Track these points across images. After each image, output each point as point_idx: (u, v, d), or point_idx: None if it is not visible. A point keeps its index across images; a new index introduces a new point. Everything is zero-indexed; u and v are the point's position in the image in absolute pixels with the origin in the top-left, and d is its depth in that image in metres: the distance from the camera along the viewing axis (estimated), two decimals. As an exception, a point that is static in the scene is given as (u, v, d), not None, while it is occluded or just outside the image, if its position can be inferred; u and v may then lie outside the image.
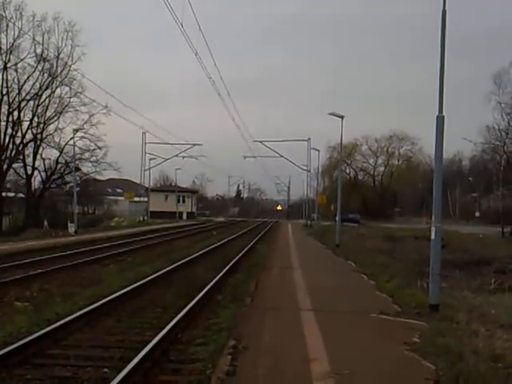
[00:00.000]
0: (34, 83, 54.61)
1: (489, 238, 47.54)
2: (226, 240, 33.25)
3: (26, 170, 56.38)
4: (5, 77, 53.22)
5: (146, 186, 73.57)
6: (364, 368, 7.32)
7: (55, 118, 56.73)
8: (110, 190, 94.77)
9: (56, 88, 55.98)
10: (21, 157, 55.71)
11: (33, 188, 57.76)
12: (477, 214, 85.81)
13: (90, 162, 58.73)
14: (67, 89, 55.40)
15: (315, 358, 7.61)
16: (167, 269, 17.13)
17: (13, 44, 52.42)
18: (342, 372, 6.95)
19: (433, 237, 11.69)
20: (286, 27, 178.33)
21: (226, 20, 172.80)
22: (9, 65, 53.03)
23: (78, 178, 53.35)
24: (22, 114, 54.85)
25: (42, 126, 56.17)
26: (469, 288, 17.42)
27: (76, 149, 49.93)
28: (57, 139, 56.98)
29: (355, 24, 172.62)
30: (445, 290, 14.33)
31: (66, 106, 56.49)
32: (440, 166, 12.04)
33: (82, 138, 55.66)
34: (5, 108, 53.62)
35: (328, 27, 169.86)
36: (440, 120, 11.74)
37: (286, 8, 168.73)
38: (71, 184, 50.72)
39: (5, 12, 51.35)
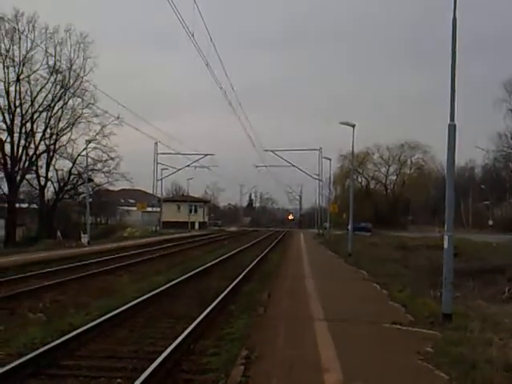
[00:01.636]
0: (47, 95, 55.12)
1: (502, 246, 47.13)
2: (238, 250, 33.27)
3: (39, 181, 56.78)
4: (18, 88, 53.76)
5: (159, 196, 73.91)
6: (377, 378, 7.30)
7: (68, 129, 57.20)
8: (122, 201, 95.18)
9: (68, 99, 56.50)
10: (34, 168, 56.10)
11: (46, 199, 58.08)
12: (490, 222, 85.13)
13: (103, 172, 59.15)
14: (79, 100, 55.85)
15: (328, 367, 7.59)
16: (180, 279, 17.17)
17: (25, 56, 53.01)
18: (355, 382, 6.93)
19: (445, 245, 11.62)
20: (295, 35, 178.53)
21: (231, 27, 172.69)
22: (22, 77, 53.53)
23: (90, 189, 53.64)
24: (34, 126, 55.32)
25: (54, 137, 56.61)
26: (482, 297, 17.30)
27: (88, 159, 50.32)
28: (69, 150, 57.44)
29: (363, 31, 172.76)
30: (458, 299, 14.25)
31: (79, 117, 56.92)
32: (452, 174, 11.99)
33: (95, 148, 56.13)
34: (18, 120, 54.10)
35: (338, 34, 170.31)
36: (452, 128, 11.70)
37: (291, 16, 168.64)
38: (84, 195, 50.93)
39: (17, 24, 51.93)
